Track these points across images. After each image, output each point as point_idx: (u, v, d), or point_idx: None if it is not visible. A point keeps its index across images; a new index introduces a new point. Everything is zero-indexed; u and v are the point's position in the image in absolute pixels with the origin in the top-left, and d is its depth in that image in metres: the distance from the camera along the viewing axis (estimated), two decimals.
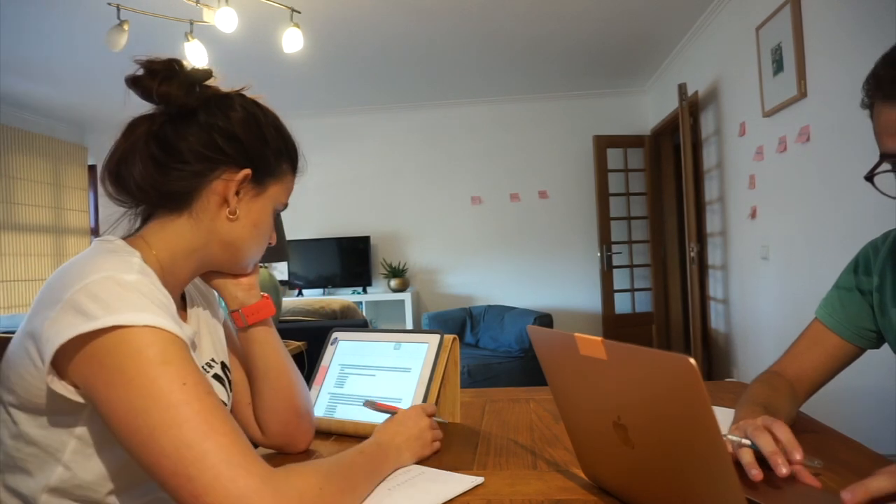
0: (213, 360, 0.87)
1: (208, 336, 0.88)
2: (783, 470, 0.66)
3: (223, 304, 0.93)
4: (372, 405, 0.97)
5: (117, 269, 0.64)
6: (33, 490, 0.67)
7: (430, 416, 0.92)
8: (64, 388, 0.63)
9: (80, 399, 0.63)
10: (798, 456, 0.68)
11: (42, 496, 0.66)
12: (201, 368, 0.83)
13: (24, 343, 0.65)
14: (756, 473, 0.66)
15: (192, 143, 0.74)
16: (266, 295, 0.90)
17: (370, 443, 0.81)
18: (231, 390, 0.89)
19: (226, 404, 0.86)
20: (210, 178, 0.75)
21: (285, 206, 0.86)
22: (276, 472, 0.61)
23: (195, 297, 0.89)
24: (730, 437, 0.71)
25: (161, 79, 0.73)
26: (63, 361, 0.61)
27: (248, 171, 0.77)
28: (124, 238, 0.76)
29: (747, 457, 0.69)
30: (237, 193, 0.77)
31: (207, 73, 0.78)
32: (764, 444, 0.68)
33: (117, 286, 0.62)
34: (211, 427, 0.59)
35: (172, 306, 0.67)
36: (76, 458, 0.66)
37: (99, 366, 0.60)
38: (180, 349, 0.63)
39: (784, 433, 0.70)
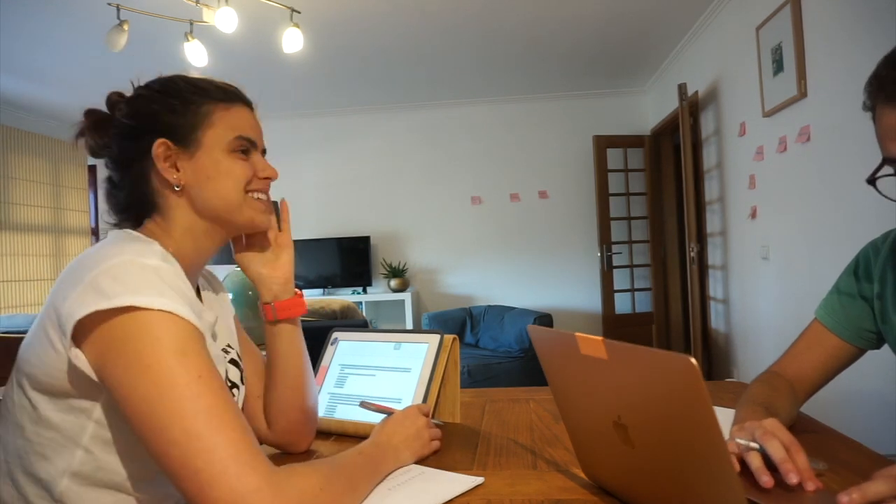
0: (229, 345, 0.88)
1: (223, 321, 0.90)
2: (794, 478, 0.65)
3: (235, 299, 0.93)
4: (367, 406, 0.97)
5: (140, 253, 0.66)
6: (54, 475, 0.67)
7: (426, 415, 0.92)
8: (85, 364, 0.63)
9: (97, 378, 0.64)
10: (803, 463, 0.67)
11: (63, 481, 0.67)
12: (220, 352, 0.85)
13: (43, 324, 0.66)
14: (767, 480, 0.65)
15: (116, 162, 0.79)
16: (300, 292, 0.91)
17: (369, 443, 0.82)
18: (243, 380, 0.90)
19: (239, 388, 0.87)
20: (144, 175, 0.77)
21: (251, 140, 0.80)
22: (279, 471, 0.62)
23: (204, 286, 0.90)
24: (738, 440, 0.71)
25: (88, 140, 0.79)
26: (80, 338, 0.63)
27: (160, 140, 0.75)
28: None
29: (757, 461, 0.68)
30: (174, 167, 0.76)
31: (113, 102, 0.80)
32: (774, 451, 0.68)
33: (138, 269, 0.64)
34: (222, 421, 0.60)
35: (192, 295, 0.68)
36: (95, 441, 0.67)
37: (116, 350, 0.61)
38: (197, 341, 0.64)
39: (789, 439, 0.70)
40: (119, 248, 0.67)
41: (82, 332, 0.62)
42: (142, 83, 0.81)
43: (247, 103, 0.84)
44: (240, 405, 0.86)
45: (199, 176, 0.77)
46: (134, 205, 0.79)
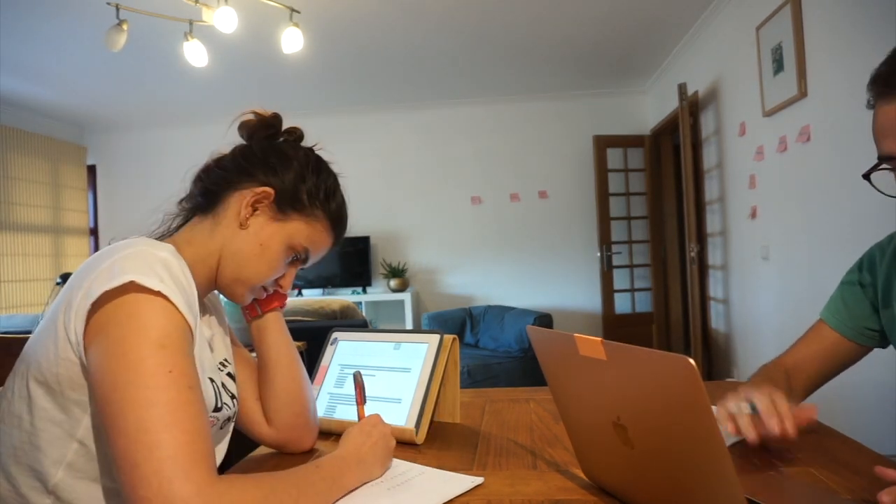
0: (226, 360, 0.89)
1: (220, 338, 0.91)
2: (776, 428, 0.66)
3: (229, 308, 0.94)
4: (357, 378, 0.92)
5: (152, 246, 0.70)
6: (48, 467, 0.68)
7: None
8: (83, 351, 0.65)
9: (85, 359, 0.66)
10: (785, 410, 0.68)
11: (58, 473, 0.68)
12: (217, 365, 0.85)
13: (55, 315, 0.68)
14: (752, 437, 0.67)
15: (237, 154, 0.85)
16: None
17: (330, 456, 0.78)
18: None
19: (235, 396, 0.87)
20: (236, 188, 0.82)
21: (306, 258, 0.86)
22: (218, 482, 0.60)
23: (206, 304, 0.91)
24: (730, 404, 0.72)
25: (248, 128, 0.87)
26: (87, 325, 0.65)
27: (269, 189, 0.81)
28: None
29: (744, 420, 0.69)
30: (255, 208, 0.81)
31: (290, 131, 0.90)
32: (760, 401, 0.69)
33: (148, 256, 0.67)
34: (175, 420, 0.60)
35: (192, 291, 0.70)
36: (91, 435, 0.68)
37: (104, 333, 0.63)
38: (181, 336, 0.65)
39: (782, 402, 0.71)
40: (134, 242, 0.71)
41: (91, 318, 0.65)
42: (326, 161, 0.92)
43: (338, 242, 0.92)
44: (233, 416, 0.86)
45: (257, 237, 0.81)
46: (207, 193, 0.83)
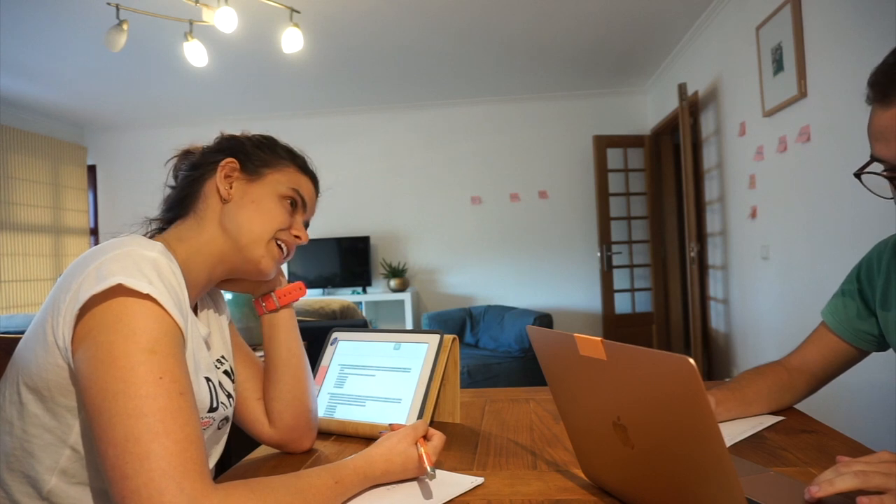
0: (223, 356, 0.89)
1: (219, 335, 0.90)
2: None
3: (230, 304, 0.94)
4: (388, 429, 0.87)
5: (141, 246, 0.68)
6: (42, 473, 0.67)
7: (423, 436, 0.82)
8: (71, 356, 0.64)
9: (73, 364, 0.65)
10: None
11: (51, 479, 0.67)
12: (214, 362, 0.84)
13: (44, 320, 0.67)
14: None
15: (189, 168, 0.87)
16: (299, 283, 0.96)
17: (352, 471, 0.73)
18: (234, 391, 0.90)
19: (231, 395, 0.86)
20: (204, 178, 0.84)
21: (303, 201, 0.88)
22: (212, 492, 0.58)
23: (205, 300, 0.91)
24: None
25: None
26: (76, 329, 0.64)
27: (231, 158, 0.84)
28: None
29: None
30: (228, 179, 0.84)
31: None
32: None
33: (137, 257, 0.66)
34: (165, 428, 0.58)
35: (182, 294, 0.69)
36: (82, 441, 0.67)
37: (92, 338, 0.61)
38: (171, 340, 0.64)
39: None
40: (123, 241, 0.70)
41: (79, 322, 0.63)
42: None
43: (316, 186, 0.93)
44: (230, 416, 0.86)
45: (246, 199, 0.83)
46: (178, 201, 0.85)
